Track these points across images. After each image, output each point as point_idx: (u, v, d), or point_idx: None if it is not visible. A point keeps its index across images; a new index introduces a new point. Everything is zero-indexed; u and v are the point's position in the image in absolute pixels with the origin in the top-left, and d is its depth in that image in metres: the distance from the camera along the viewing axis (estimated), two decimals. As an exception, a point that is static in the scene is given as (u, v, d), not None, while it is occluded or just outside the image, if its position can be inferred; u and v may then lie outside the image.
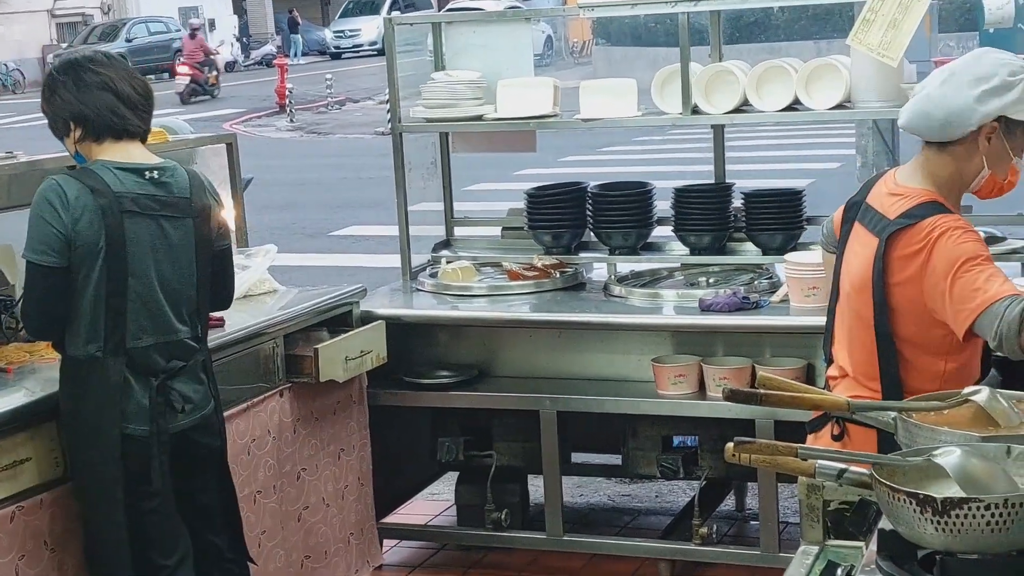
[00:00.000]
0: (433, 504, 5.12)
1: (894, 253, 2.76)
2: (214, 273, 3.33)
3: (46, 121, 3.22)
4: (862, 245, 2.87)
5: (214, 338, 3.55)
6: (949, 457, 1.94)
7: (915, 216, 2.75)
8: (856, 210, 2.95)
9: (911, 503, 1.83)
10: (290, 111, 22.18)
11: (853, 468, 2.03)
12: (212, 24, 37.09)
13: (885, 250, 2.76)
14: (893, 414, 2.25)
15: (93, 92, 3.13)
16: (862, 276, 2.83)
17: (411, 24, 5.15)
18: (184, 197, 3.20)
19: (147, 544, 3.17)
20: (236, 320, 3.82)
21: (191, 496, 3.29)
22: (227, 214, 3.60)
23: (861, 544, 2.15)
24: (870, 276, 2.80)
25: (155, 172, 3.17)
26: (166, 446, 3.16)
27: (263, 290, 4.26)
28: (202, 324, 3.30)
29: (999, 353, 2.68)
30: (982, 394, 2.24)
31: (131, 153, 3.18)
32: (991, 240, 4.18)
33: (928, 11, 4.10)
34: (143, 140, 3.23)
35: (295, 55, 38.75)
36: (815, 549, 2.21)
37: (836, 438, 2.88)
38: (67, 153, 3.29)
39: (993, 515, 1.79)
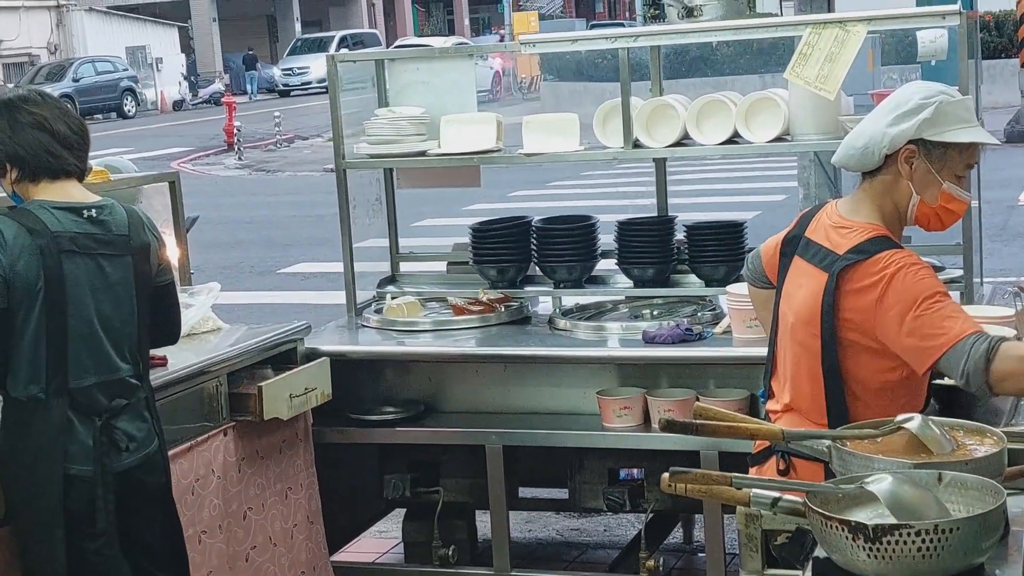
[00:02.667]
0: (380, 542, 5.09)
1: (845, 288, 2.76)
2: (158, 308, 3.31)
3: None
4: (808, 279, 2.87)
5: (157, 377, 3.52)
6: (881, 484, 1.96)
7: (866, 251, 2.76)
8: (795, 245, 2.96)
9: (843, 530, 1.85)
10: (238, 149, 22.12)
11: (787, 496, 2.05)
12: (160, 63, 36.97)
13: (836, 285, 2.77)
14: (827, 442, 2.28)
15: (27, 132, 3.11)
16: (809, 310, 2.83)
17: (355, 61, 5.16)
18: (122, 235, 3.19)
19: (88, 585, 3.13)
20: (179, 359, 3.80)
21: (136, 535, 3.25)
22: (169, 251, 3.58)
23: (799, 573, 2.16)
24: (818, 310, 2.80)
25: (93, 211, 3.16)
26: (110, 486, 3.13)
27: (207, 328, 4.23)
28: (144, 361, 3.28)
29: (967, 389, 2.68)
30: (915, 422, 2.27)
31: (69, 192, 3.17)
32: (929, 270, 4.23)
33: (870, 45, 4.18)
34: (80, 179, 3.22)
35: (253, 92, 38.82)
36: (754, 578, 2.22)
37: (782, 472, 2.86)
38: (4, 194, 3.27)
39: (924, 541, 1.82)
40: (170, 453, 3.45)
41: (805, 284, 2.87)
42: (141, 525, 3.27)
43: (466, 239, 4.88)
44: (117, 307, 3.18)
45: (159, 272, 3.33)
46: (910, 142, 2.78)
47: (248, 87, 39.15)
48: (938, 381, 2.97)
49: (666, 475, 2.03)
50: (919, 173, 2.81)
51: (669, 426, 2.23)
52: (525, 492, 4.90)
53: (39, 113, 3.14)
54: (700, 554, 4.72)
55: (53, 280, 3.05)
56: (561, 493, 4.69)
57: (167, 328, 3.43)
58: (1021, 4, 16.90)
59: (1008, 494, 2.01)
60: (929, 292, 2.68)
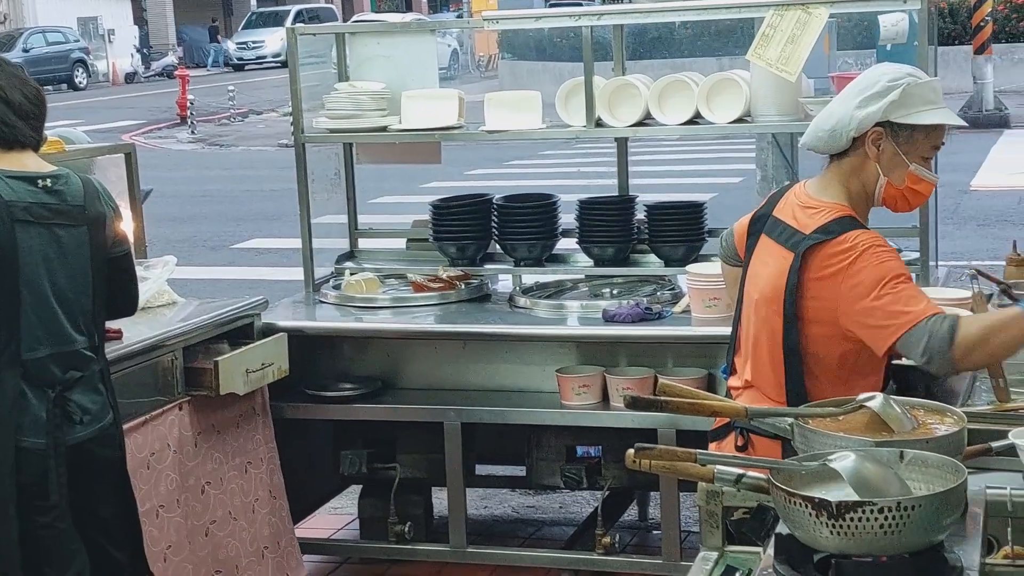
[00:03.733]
0: (336, 518, 5.08)
1: (811, 267, 2.78)
2: (113, 279, 3.26)
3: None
4: (773, 258, 2.88)
5: (112, 350, 3.48)
6: (844, 462, 1.97)
7: (831, 231, 2.78)
8: (762, 223, 2.97)
9: (807, 507, 1.86)
10: (191, 123, 21.91)
11: (751, 473, 2.06)
12: (112, 34, 36.50)
13: (801, 264, 2.79)
14: (790, 420, 2.29)
15: (-19, 101, 3.06)
16: (773, 288, 2.85)
17: (314, 35, 5.11)
18: (78, 205, 3.14)
19: (41, 560, 3.09)
20: (134, 332, 3.76)
21: (90, 510, 3.22)
22: (124, 222, 3.54)
23: (759, 550, 2.17)
24: (782, 288, 2.82)
25: (48, 180, 3.11)
26: (63, 459, 3.09)
27: (162, 302, 4.19)
28: (99, 333, 3.24)
29: (926, 369, 2.71)
30: (876, 400, 2.28)
31: (23, 162, 3.12)
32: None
33: (827, 29, 4.19)
34: (36, 149, 3.17)
35: (215, 64, 38.55)
36: (714, 555, 2.23)
37: (740, 448, 2.89)
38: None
39: (886, 518, 1.83)
40: (124, 427, 3.41)
41: (770, 263, 2.88)
42: (95, 499, 3.23)
43: (425, 216, 4.86)
44: (71, 278, 3.14)
45: (115, 243, 3.29)
46: (877, 124, 2.80)
47: (210, 59, 38.87)
48: (897, 362, 3.00)
49: (631, 451, 2.03)
50: (886, 155, 2.83)
51: (634, 403, 2.24)
52: (482, 469, 4.90)
53: (-6, 81, 3.08)
54: (655, 531, 4.74)
55: (6, 249, 3.00)
56: (517, 470, 4.70)
57: (124, 299, 3.39)
58: (975, -8, 17.05)
59: (967, 473, 2.02)
60: (894, 273, 2.70)
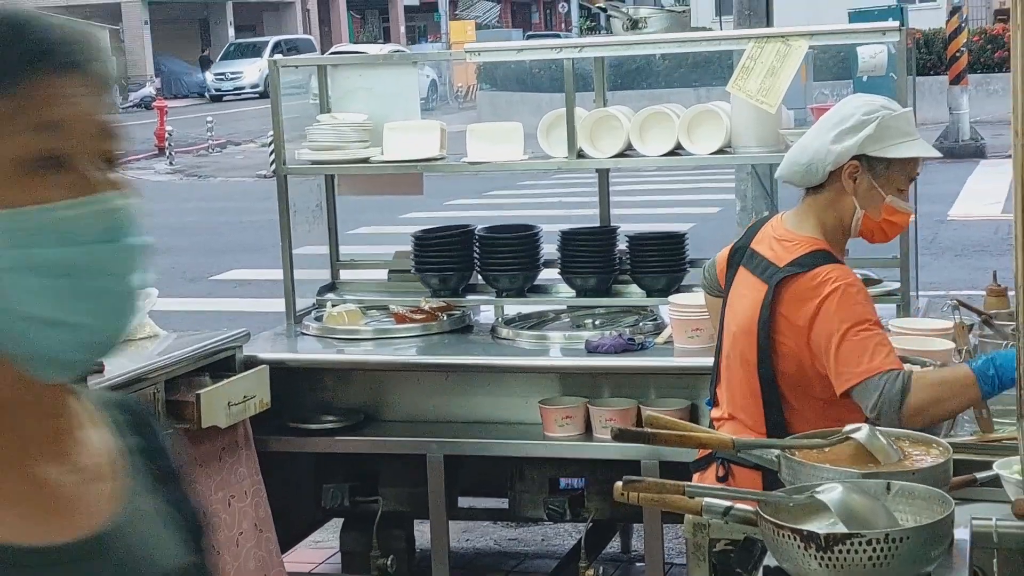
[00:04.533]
0: (317, 552, 5.04)
1: (783, 300, 2.79)
2: None
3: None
4: (749, 289, 2.90)
5: (93, 384, 3.46)
6: (831, 494, 1.97)
7: (804, 264, 2.79)
8: (741, 255, 2.99)
9: (795, 539, 1.86)
10: (169, 154, 21.87)
11: (739, 505, 2.05)
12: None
13: (774, 297, 2.80)
14: (776, 452, 2.29)
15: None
16: (749, 320, 2.86)
17: (296, 66, 5.12)
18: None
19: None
20: (116, 365, 3.73)
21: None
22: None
23: (747, 582, 2.17)
24: (756, 320, 2.83)
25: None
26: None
27: (143, 335, 4.17)
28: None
29: (876, 423, 2.71)
30: (862, 432, 2.28)
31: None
32: (867, 283, 4.28)
33: (804, 60, 4.22)
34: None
35: (205, 94, 38.63)
36: (702, 587, 2.23)
37: (721, 479, 2.90)
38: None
39: (875, 550, 1.83)
40: (106, 461, 3.39)
41: (747, 294, 2.90)
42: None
43: (405, 247, 4.86)
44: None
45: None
46: (854, 158, 2.81)
47: (208, 91, 39.02)
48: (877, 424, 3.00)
49: (619, 484, 2.03)
50: (863, 188, 2.84)
51: (621, 435, 2.23)
52: (464, 501, 4.88)
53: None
54: (639, 563, 4.73)
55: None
56: (500, 503, 4.68)
57: None
58: (950, 23, 17.23)
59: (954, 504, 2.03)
60: (856, 320, 2.70)
